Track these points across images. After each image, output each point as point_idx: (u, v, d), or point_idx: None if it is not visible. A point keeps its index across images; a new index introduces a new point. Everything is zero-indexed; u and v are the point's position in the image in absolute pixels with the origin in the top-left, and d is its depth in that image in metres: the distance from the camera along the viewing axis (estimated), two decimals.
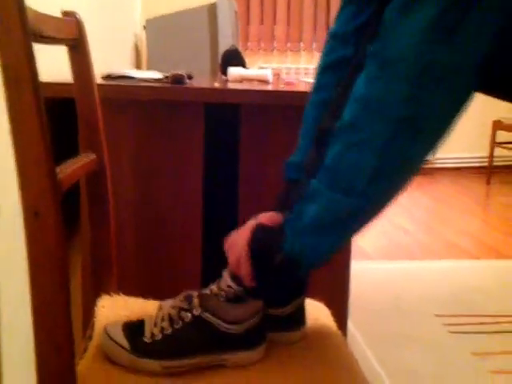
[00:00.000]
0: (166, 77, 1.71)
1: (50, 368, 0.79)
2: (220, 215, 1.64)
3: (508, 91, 0.87)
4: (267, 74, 2.06)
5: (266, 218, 0.95)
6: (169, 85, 1.61)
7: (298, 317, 1.02)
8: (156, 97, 1.55)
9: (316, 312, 1.10)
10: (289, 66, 5.17)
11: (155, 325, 0.94)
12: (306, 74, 5.04)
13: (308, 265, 0.89)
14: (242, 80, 2.05)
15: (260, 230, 0.92)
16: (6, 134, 0.74)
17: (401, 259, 3.13)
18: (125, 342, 0.93)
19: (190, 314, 0.92)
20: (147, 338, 0.92)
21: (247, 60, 2.58)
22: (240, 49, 3.01)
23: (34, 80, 0.72)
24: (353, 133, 0.79)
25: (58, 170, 0.82)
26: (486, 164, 5.21)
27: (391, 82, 0.75)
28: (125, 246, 1.61)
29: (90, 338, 1.02)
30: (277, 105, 1.60)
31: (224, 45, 2.95)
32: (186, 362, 0.91)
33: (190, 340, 0.92)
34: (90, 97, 1.08)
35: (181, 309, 0.93)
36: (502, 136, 5.04)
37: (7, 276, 1.19)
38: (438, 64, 0.72)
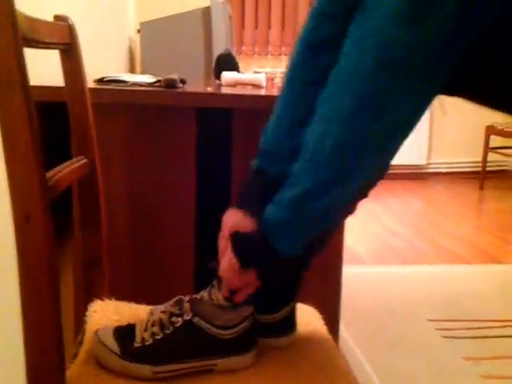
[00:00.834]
0: (159, 81, 1.71)
1: (40, 373, 0.79)
2: (213, 220, 1.63)
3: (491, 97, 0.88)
4: (261, 78, 2.06)
5: (234, 220, 0.95)
6: (161, 89, 1.61)
7: (290, 322, 1.02)
8: (148, 101, 1.55)
9: (307, 317, 1.10)
10: (283, 70, 5.18)
11: (146, 329, 0.94)
12: None
13: (293, 252, 0.89)
14: (235, 84, 2.05)
15: (240, 239, 0.92)
16: None
17: (393, 264, 3.13)
18: (115, 347, 0.93)
19: (180, 319, 0.92)
20: (138, 343, 0.92)
21: (242, 64, 2.58)
22: (234, 53, 3.01)
23: (25, 84, 0.72)
24: (323, 105, 0.82)
25: (49, 174, 0.82)
26: (479, 169, 5.22)
27: (360, 58, 0.76)
28: (117, 250, 1.60)
29: (81, 342, 1.02)
30: (269, 109, 1.60)
31: (218, 49, 2.96)
32: (176, 366, 0.91)
33: (181, 345, 0.92)
34: (82, 101, 1.08)
35: (172, 314, 0.93)
36: (496, 141, 5.05)
37: None
38: (403, 44, 0.74)
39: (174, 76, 1.65)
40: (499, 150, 5.11)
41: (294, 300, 1.02)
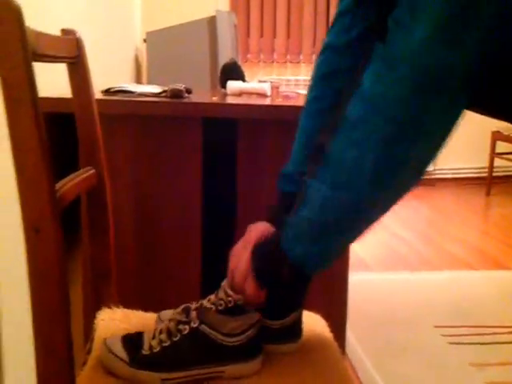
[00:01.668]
0: (165, 91, 1.73)
1: (50, 380, 0.81)
2: (219, 228, 1.65)
3: (497, 108, 0.89)
4: (265, 87, 2.08)
5: (260, 230, 0.97)
6: (167, 99, 1.63)
7: (295, 329, 1.03)
8: (154, 111, 1.57)
9: (312, 324, 1.11)
10: (289, 78, 5.20)
11: (154, 337, 0.95)
12: (305, 85, 5.05)
13: (314, 269, 0.91)
14: (240, 94, 2.07)
15: (260, 248, 0.94)
16: (8, 152, 0.76)
17: (400, 270, 3.14)
18: (124, 355, 0.94)
19: (187, 327, 0.93)
20: (146, 351, 0.94)
21: (247, 72, 2.60)
22: (240, 61, 3.03)
23: (34, 99, 0.74)
24: (354, 129, 0.80)
25: (58, 186, 0.83)
26: (485, 175, 5.21)
27: (395, 83, 0.75)
28: (125, 259, 1.62)
29: (90, 350, 1.03)
30: (274, 119, 1.62)
31: (223, 57, 2.98)
32: (183, 374, 0.92)
33: (188, 352, 0.93)
34: (90, 112, 1.10)
35: (179, 321, 0.95)
36: (502, 146, 5.04)
37: (9, 290, 1.20)
38: (444, 65, 0.73)
39: (180, 86, 1.67)
40: (505, 156, 5.09)
41: (302, 306, 1.03)
